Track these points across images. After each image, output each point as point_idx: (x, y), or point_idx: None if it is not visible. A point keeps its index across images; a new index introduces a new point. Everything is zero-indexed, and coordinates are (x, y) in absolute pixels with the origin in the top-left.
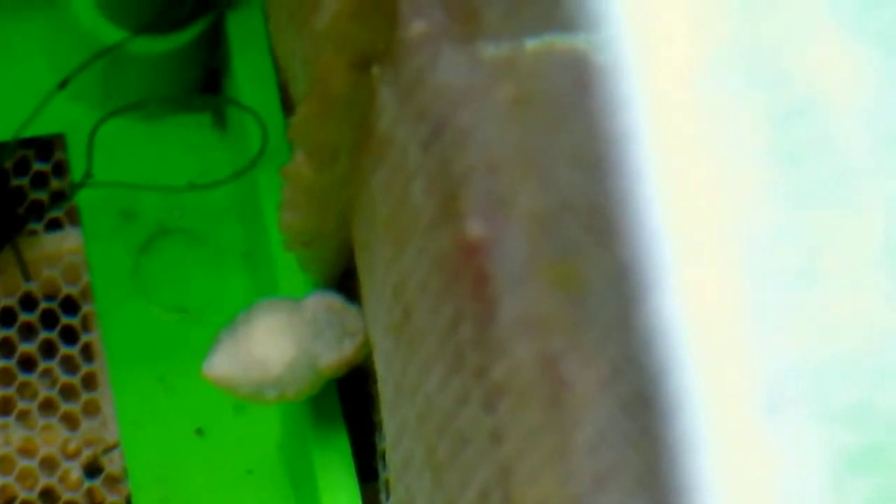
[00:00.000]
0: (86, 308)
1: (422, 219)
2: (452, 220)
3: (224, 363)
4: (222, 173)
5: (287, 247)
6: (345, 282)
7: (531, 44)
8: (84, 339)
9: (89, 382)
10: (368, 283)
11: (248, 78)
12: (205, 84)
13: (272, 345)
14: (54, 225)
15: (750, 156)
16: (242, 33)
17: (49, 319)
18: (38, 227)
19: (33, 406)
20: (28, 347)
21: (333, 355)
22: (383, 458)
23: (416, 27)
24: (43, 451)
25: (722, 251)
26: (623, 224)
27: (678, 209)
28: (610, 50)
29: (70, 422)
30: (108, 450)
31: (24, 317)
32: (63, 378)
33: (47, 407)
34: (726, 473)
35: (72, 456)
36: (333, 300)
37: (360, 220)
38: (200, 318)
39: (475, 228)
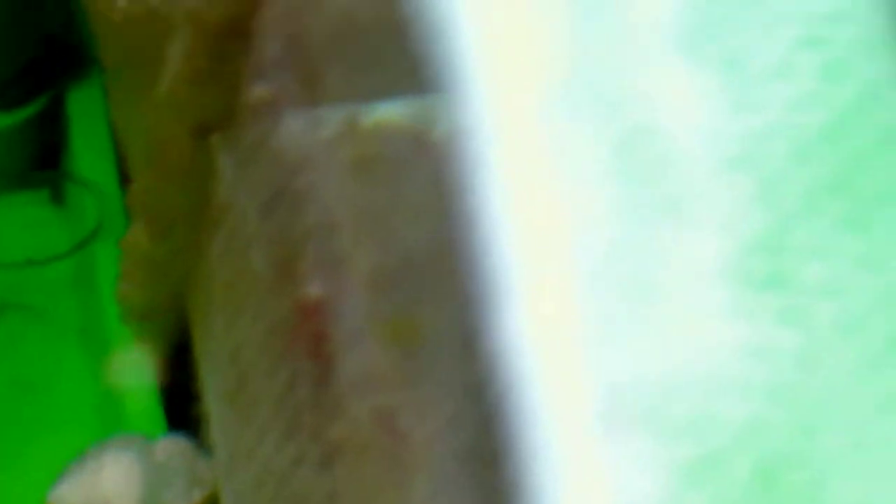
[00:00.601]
0: None
1: (260, 285)
2: (291, 284)
3: (69, 495)
4: (60, 249)
5: (124, 319)
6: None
7: (373, 106)
8: None
9: None
10: (204, 352)
11: (87, 153)
12: (43, 160)
13: (119, 486)
14: None
15: (591, 178)
16: (82, 109)
17: None
18: None
19: None
20: None
21: None
22: None
23: (259, 92)
24: None
25: (561, 273)
26: (462, 268)
27: (521, 237)
28: (452, 110)
29: None
30: None
31: None
32: None
33: None
34: (561, 498)
35: None
36: (185, 447)
37: (197, 290)
38: (36, 394)
39: (313, 289)
